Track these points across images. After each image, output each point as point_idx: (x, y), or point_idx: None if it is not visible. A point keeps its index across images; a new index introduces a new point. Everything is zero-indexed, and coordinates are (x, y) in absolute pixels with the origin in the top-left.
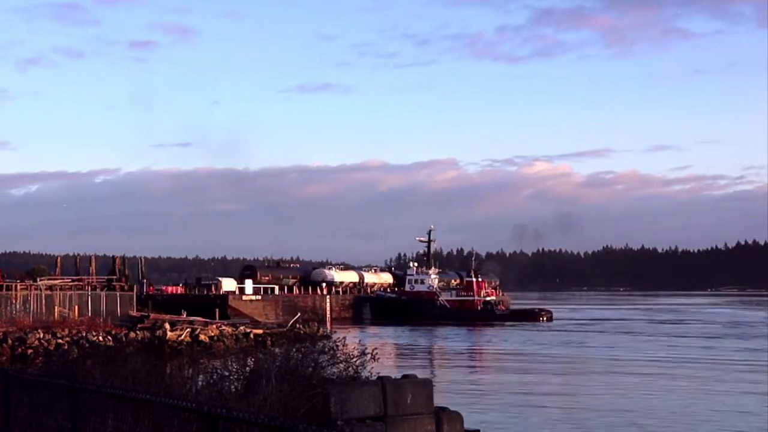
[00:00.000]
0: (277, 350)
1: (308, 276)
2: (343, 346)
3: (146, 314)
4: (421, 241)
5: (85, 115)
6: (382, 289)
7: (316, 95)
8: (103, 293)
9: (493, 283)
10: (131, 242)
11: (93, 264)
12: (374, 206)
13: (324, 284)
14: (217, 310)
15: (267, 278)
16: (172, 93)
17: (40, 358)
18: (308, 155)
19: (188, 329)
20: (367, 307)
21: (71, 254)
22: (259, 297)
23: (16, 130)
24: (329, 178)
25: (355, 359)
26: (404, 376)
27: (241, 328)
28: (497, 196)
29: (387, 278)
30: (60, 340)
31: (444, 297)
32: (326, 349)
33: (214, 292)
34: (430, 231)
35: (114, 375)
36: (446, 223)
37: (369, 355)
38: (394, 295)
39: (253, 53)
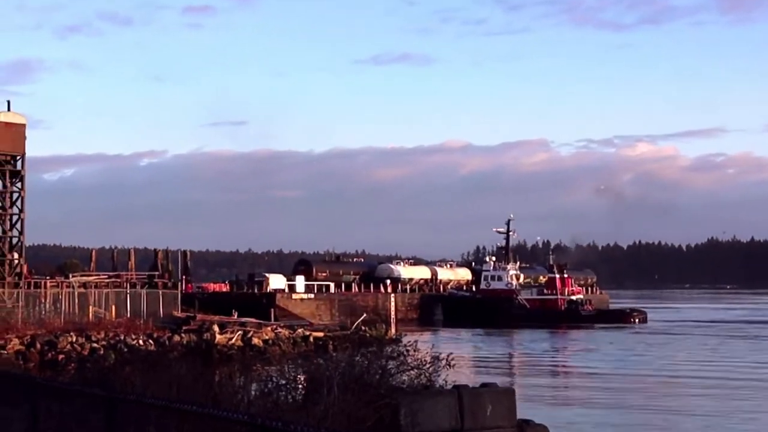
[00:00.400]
0: (339, 355)
1: (372, 272)
2: (415, 350)
3: (192, 315)
4: (499, 232)
5: (129, 90)
6: (458, 286)
7: (393, 67)
8: (143, 291)
9: (589, 280)
10: (176, 233)
11: (132, 258)
12: (453, 192)
13: (388, 281)
14: (271, 310)
15: (324, 274)
16: (230, 64)
17: (73, 365)
18: (381, 135)
19: (240, 332)
20: (438, 308)
21: (107, 247)
22: (312, 295)
23: (52, 106)
24: (404, 160)
25: (428, 366)
26: (483, 385)
27: (299, 330)
28: (593, 181)
29: (464, 274)
30: (95, 344)
31: (524, 296)
32: (395, 355)
33: (260, 290)
34: (509, 220)
35: (156, 383)
36: (533, 211)
37: (443, 361)
38: (467, 294)
39: (323, 19)
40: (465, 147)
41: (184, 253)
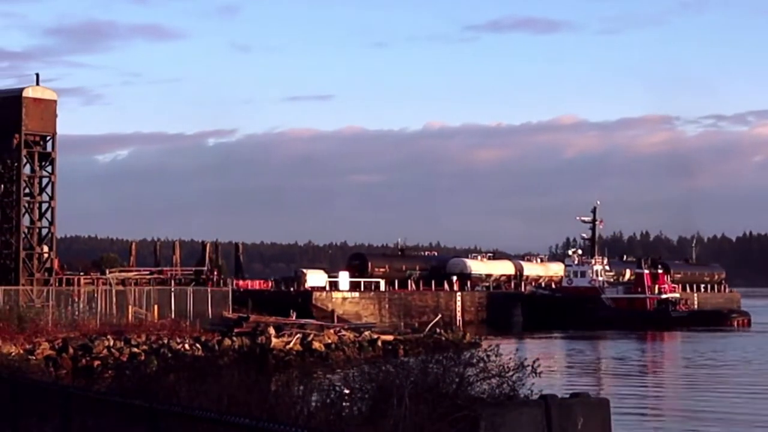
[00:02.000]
0: (411, 361)
1: (443, 267)
2: (496, 356)
3: (245, 316)
4: (584, 221)
5: (198, 59)
6: (548, 284)
7: (510, 35)
8: (190, 289)
9: (716, 276)
10: (232, 224)
11: (177, 251)
12: (555, 177)
13: (455, 278)
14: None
15: (383, 270)
16: (323, 33)
17: (110, 372)
18: (486, 111)
19: (298, 335)
20: (517, 308)
21: (149, 239)
22: (357, 294)
23: (111, 76)
24: (506, 141)
25: (511, 373)
26: (574, 395)
27: (366, 333)
28: (717, 164)
29: (557, 270)
30: (135, 349)
31: (609, 294)
32: (475, 361)
33: (297, 288)
34: (594, 208)
35: (204, 393)
36: (644, 199)
37: (529, 368)
38: (547, 293)
39: None
40: (577, 124)
41: (236, 246)
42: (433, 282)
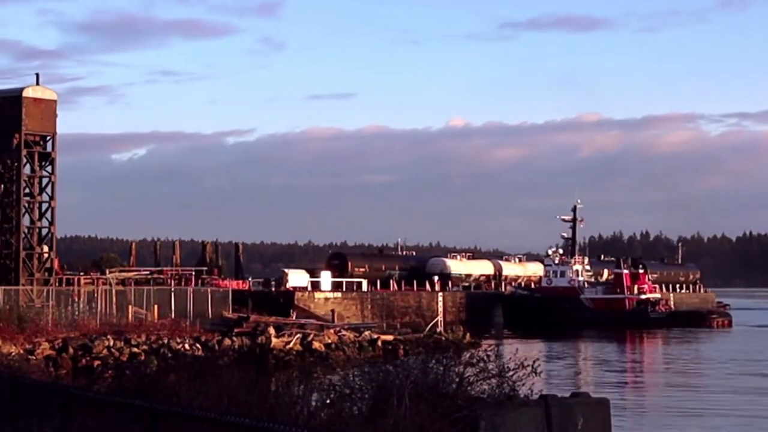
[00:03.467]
0: (411, 361)
1: (423, 267)
2: (496, 356)
3: (245, 316)
4: (564, 221)
5: (228, 57)
6: (527, 284)
7: (548, 33)
8: (190, 289)
9: (691, 276)
10: (234, 224)
11: (177, 251)
12: (568, 176)
13: (436, 278)
14: (291, 311)
15: (362, 269)
16: (354, 31)
17: (110, 372)
18: (511, 110)
19: (299, 335)
20: (498, 309)
21: (149, 239)
22: (339, 294)
23: (137, 75)
24: (526, 140)
25: (511, 373)
26: (574, 395)
27: (366, 333)
28: (734, 163)
29: (535, 270)
30: (135, 349)
31: (588, 294)
32: (475, 361)
33: (278, 287)
34: (575, 207)
35: (204, 393)
36: (654, 199)
37: (529, 368)
38: (526, 293)
39: None
40: (599, 122)
41: (236, 246)
42: (414, 282)
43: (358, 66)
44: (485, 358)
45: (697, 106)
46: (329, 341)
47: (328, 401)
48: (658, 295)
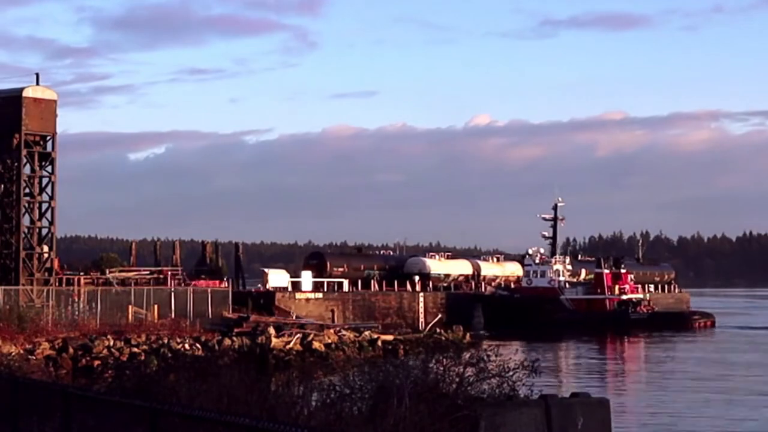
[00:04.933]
0: (411, 361)
1: (402, 266)
2: (497, 356)
3: (245, 315)
4: (545, 219)
5: (247, 53)
6: (506, 284)
7: (587, 31)
8: (190, 289)
9: (666, 276)
10: (236, 224)
11: (177, 251)
12: (583, 175)
13: (416, 278)
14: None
15: (341, 269)
16: (386, 30)
17: (110, 372)
18: (537, 108)
19: (299, 335)
20: (478, 309)
21: (149, 239)
22: (320, 295)
23: (163, 73)
24: (546, 139)
25: (511, 373)
26: (573, 395)
27: (366, 333)
28: (754, 162)
29: (514, 270)
30: (135, 349)
31: (568, 295)
32: (475, 361)
33: (260, 287)
34: (556, 206)
35: (204, 393)
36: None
37: (529, 368)
38: (505, 293)
39: None
40: (624, 120)
41: (236, 246)
42: (395, 282)
43: (386, 64)
44: (485, 358)
45: (724, 102)
46: (329, 341)
47: (328, 401)
48: (640, 296)
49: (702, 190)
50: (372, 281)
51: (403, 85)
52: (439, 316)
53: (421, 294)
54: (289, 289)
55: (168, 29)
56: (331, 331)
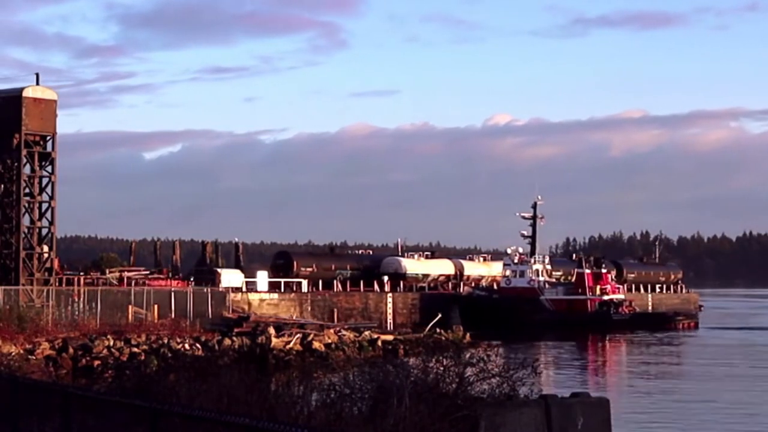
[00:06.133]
0: (411, 361)
1: (377, 266)
2: (497, 356)
3: (245, 315)
4: (524, 218)
5: (274, 51)
6: (489, 284)
7: (618, 30)
8: (190, 289)
9: (672, 276)
10: (237, 224)
11: (177, 251)
12: (595, 174)
13: (386, 278)
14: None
15: (309, 269)
16: (409, 31)
17: (110, 372)
18: (558, 107)
19: (299, 335)
20: (455, 310)
21: (149, 239)
22: (276, 295)
23: (184, 72)
24: (563, 138)
25: (511, 372)
26: (574, 395)
27: (366, 333)
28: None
29: (500, 269)
30: (135, 349)
31: (548, 295)
32: (474, 361)
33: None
34: (535, 204)
35: (204, 393)
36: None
37: (530, 368)
38: (484, 294)
39: None
40: (642, 119)
41: (236, 245)
42: (362, 282)
43: (411, 63)
44: (485, 358)
45: (746, 100)
46: (329, 341)
47: (328, 401)
48: (622, 296)
49: (712, 190)
50: (335, 281)
51: (427, 84)
52: (440, 315)
53: (390, 294)
54: (243, 289)
55: (197, 27)
56: (331, 331)
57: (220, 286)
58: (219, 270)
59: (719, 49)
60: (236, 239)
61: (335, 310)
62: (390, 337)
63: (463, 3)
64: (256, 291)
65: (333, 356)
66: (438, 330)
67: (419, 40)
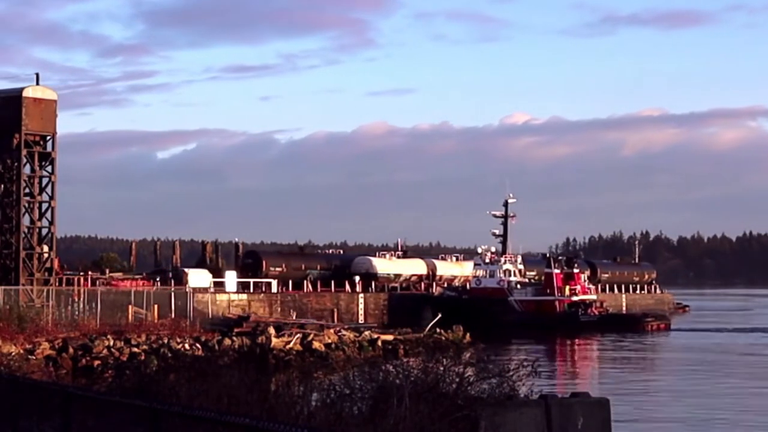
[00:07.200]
0: (411, 361)
1: (348, 266)
2: (497, 356)
3: (245, 315)
4: (495, 216)
5: (298, 49)
6: (461, 284)
7: (647, 29)
8: (190, 289)
9: (646, 276)
10: (238, 224)
11: (177, 251)
12: (604, 174)
13: (358, 278)
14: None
15: (278, 269)
16: (432, 31)
17: (110, 372)
18: (577, 105)
19: (299, 335)
20: (427, 311)
21: (149, 239)
22: (245, 296)
23: (203, 71)
24: (577, 138)
25: (511, 373)
26: (574, 395)
27: (366, 333)
28: None
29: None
30: (135, 349)
31: (517, 296)
32: (474, 361)
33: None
34: (506, 202)
35: (204, 393)
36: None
37: (529, 368)
38: (453, 294)
39: None
40: (659, 117)
41: (236, 245)
42: (332, 283)
43: (434, 61)
44: (485, 358)
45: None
46: (329, 341)
47: (328, 401)
48: (593, 297)
49: (717, 190)
50: (305, 281)
51: (447, 83)
52: (439, 315)
53: (362, 295)
54: (211, 289)
55: (224, 25)
56: (331, 331)
57: (187, 286)
58: (186, 270)
59: (746, 46)
60: (236, 239)
61: (306, 310)
62: (390, 337)
63: (494, 1)
64: (225, 291)
65: (333, 356)
66: (438, 330)
67: (445, 38)
